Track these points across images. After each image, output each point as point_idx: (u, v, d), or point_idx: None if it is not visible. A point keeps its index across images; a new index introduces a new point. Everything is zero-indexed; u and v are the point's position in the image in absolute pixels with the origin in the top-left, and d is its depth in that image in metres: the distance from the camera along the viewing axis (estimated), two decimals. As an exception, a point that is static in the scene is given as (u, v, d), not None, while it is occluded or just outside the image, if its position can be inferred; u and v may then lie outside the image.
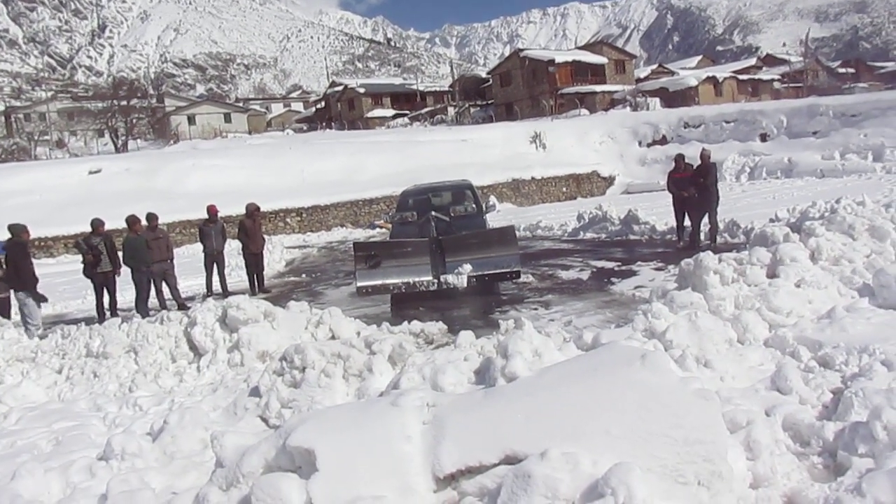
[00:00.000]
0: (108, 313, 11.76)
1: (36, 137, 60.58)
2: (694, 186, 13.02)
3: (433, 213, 11.88)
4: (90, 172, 30.27)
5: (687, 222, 13.56)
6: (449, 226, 11.71)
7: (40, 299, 10.58)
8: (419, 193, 14.09)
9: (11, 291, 10.77)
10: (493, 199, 26.07)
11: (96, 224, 12.00)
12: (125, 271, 12.13)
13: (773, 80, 63.34)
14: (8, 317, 10.49)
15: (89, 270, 11.82)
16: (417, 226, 11.98)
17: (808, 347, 5.11)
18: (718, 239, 13.17)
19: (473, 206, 12.74)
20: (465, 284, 10.37)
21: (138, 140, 61.09)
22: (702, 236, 13.31)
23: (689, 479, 2.89)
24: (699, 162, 13.23)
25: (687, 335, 5.33)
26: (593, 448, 2.96)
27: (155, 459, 4.66)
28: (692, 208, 13.24)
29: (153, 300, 12.28)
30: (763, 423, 3.70)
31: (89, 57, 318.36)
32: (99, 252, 11.72)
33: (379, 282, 10.64)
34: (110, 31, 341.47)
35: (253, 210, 13.91)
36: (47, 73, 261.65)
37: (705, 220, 13.23)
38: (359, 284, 10.70)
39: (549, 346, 5.26)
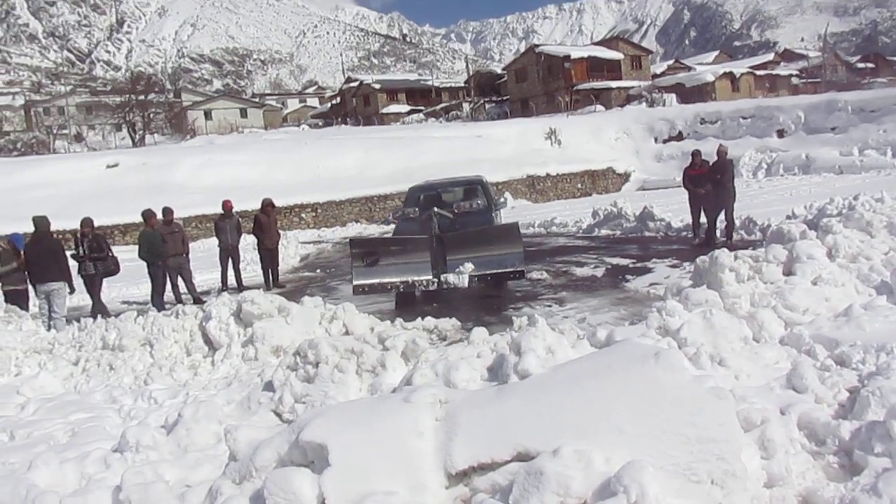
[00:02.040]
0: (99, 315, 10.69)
1: (55, 131, 61.22)
2: (710, 182, 12.92)
3: (435, 209, 11.30)
4: (108, 166, 30.51)
5: (703, 219, 13.47)
6: (453, 223, 11.25)
7: (71, 290, 10.73)
8: (427, 189, 13.54)
9: (29, 284, 10.88)
10: (507, 196, 25.84)
11: (83, 223, 11.55)
12: (140, 266, 12.19)
13: (790, 75, 62.84)
14: (26, 309, 10.60)
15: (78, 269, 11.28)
16: (420, 222, 11.42)
17: (824, 345, 5.06)
18: (735, 236, 13.07)
19: (481, 202, 12.18)
20: (466, 284, 9.96)
21: (155, 134, 61.51)
22: (718, 233, 13.22)
23: (702, 478, 2.87)
24: (716, 158, 13.13)
25: (701, 333, 5.29)
26: (606, 446, 2.95)
27: (169, 452, 4.69)
28: (708, 205, 13.15)
29: (169, 294, 12.35)
30: (778, 421, 3.67)
31: (107, 52, 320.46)
32: (82, 254, 11.29)
33: (376, 280, 10.25)
34: (128, 26, 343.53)
35: (267, 205, 13.98)
36: (66, 67, 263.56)
37: (721, 216, 13.13)
38: (355, 283, 10.35)
39: (562, 343, 5.24)
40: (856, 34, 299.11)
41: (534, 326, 5.51)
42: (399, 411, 3.42)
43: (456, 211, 11.75)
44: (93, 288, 11.56)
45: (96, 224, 12.18)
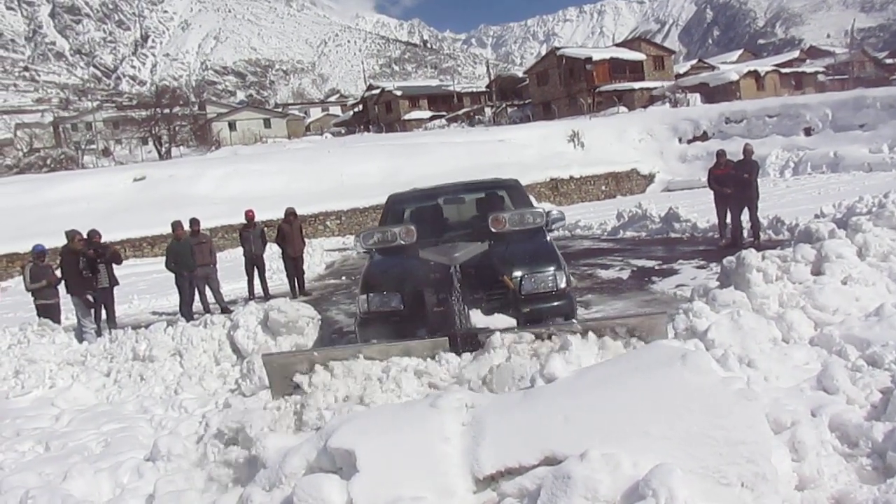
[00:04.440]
0: (106, 330, 10.31)
1: (83, 146, 62.14)
2: (734, 181, 12.79)
3: (457, 257, 5.22)
4: (135, 179, 31.00)
5: (729, 219, 13.33)
6: (485, 262, 5.82)
7: (88, 305, 10.90)
8: (423, 199, 8.22)
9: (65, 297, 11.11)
10: (551, 208, 25.20)
11: (91, 235, 11.42)
12: (168, 277, 12.32)
13: (817, 72, 61.95)
14: (58, 322, 10.79)
15: (87, 286, 10.99)
16: (418, 269, 5.75)
17: (855, 346, 4.99)
18: (762, 236, 12.92)
19: (529, 219, 6.32)
20: None
21: (181, 147, 62.25)
22: (745, 233, 13.07)
23: (731, 481, 2.85)
24: (741, 157, 13.01)
25: (729, 334, 5.24)
26: (633, 449, 2.94)
27: (200, 460, 4.74)
28: (732, 204, 13.02)
29: (197, 304, 12.50)
30: (809, 423, 3.62)
31: (133, 67, 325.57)
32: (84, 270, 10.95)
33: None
34: (152, 40, 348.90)
35: (289, 214, 14.11)
36: (93, 83, 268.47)
37: (746, 217, 12.98)
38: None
39: (588, 346, 5.22)
40: (883, 29, 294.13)
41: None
42: (425, 417, 3.44)
43: (496, 233, 6.19)
44: (106, 301, 11.55)
45: (126, 237, 12.32)
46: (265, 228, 14.72)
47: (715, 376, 3.32)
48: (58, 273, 11.02)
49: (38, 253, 11.03)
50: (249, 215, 14.04)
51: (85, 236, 11.27)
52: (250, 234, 13.86)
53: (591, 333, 4.92)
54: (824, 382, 4.41)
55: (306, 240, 15.82)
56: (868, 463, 3.50)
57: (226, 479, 4.13)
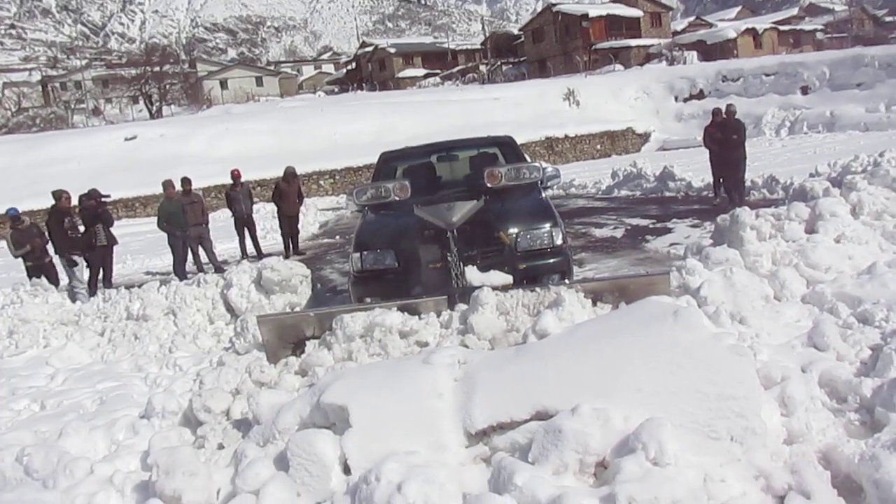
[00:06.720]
0: (101, 290, 10.30)
1: (72, 106, 61.46)
2: (719, 144, 12.72)
3: (455, 222, 5.32)
4: (126, 139, 30.70)
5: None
6: (481, 218, 5.62)
7: (72, 264, 10.83)
8: (416, 157, 8.10)
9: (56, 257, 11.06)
10: (546, 166, 25.11)
11: (91, 193, 11.37)
12: (161, 237, 12.26)
13: (815, 30, 61.28)
14: (56, 280, 10.78)
15: (75, 246, 10.87)
16: (413, 227, 5.72)
17: (846, 303, 5.00)
18: (755, 195, 12.90)
19: (526, 173, 6.20)
20: None
21: (172, 106, 61.53)
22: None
23: (721, 435, 2.88)
24: (724, 116, 12.93)
25: (722, 291, 5.25)
26: (624, 404, 2.96)
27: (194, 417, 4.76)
28: (722, 166, 12.99)
29: (190, 263, 12.47)
30: (798, 379, 3.65)
31: (121, 24, 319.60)
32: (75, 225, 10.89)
33: None
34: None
35: (289, 173, 14.01)
36: (81, 41, 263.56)
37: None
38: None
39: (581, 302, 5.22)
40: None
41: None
42: (418, 372, 3.45)
43: (489, 189, 6.01)
44: (105, 260, 11.54)
45: (119, 197, 12.17)
46: (252, 188, 14.55)
47: (707, 332, 3.33)
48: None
49: (13, 217, 10.92)
50: (236, 174, 13.85)
51: (86, 194, 11.26)
52: (238, 195, 13.72)
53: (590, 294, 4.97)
54: (815, 339, 4.43)
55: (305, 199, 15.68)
56: (856, 418, 3.54)
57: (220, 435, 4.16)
